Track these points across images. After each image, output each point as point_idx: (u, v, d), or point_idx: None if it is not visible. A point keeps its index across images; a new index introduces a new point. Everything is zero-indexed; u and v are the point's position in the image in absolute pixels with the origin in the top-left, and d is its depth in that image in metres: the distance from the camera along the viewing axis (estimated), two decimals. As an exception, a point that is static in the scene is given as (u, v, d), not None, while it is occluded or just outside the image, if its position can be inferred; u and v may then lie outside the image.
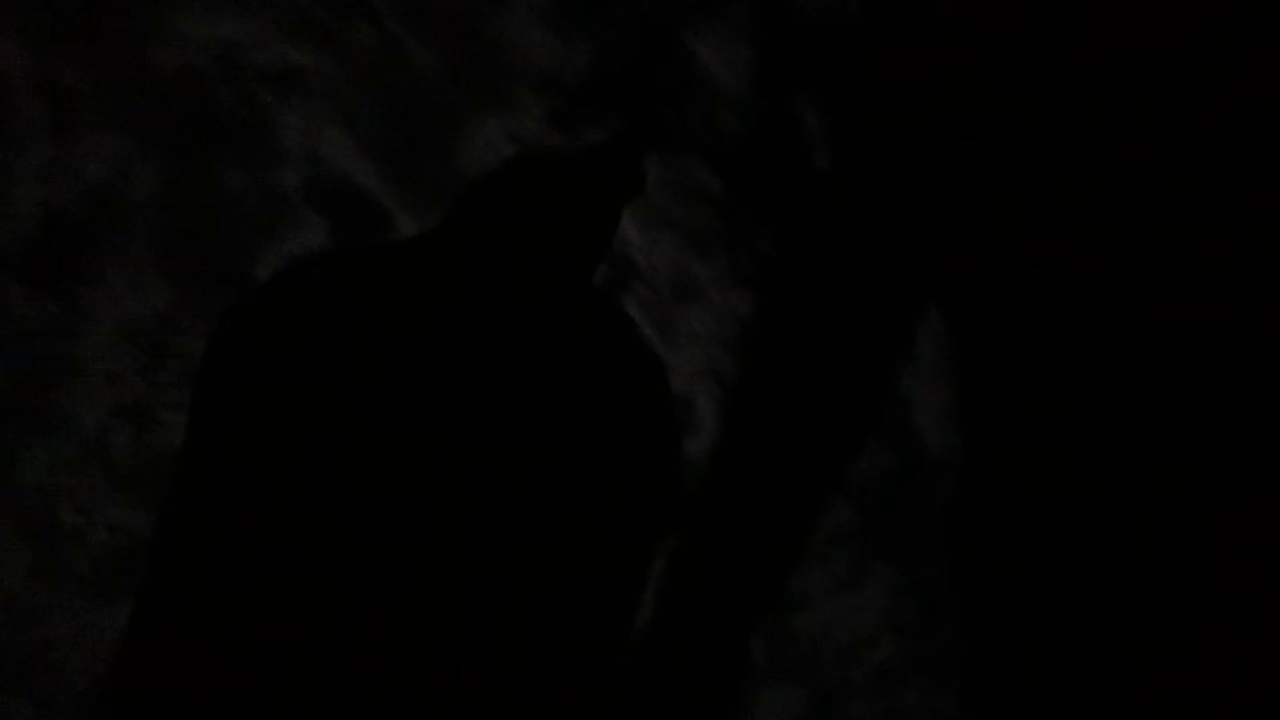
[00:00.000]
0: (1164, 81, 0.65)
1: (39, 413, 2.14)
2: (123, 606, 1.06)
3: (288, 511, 0.57)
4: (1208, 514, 0.66)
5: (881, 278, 3.70)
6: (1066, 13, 0.73)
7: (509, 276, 0.69)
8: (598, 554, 0.76)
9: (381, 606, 0.57)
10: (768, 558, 4.60)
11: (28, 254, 2.41)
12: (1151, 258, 0.67)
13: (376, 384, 0.63)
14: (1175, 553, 0.66)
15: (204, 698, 0.53)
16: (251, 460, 0.62)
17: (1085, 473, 0.73)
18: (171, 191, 1.61)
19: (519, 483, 0.64)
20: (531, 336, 0.68)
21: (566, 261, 0.79)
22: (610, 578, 0.75)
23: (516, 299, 0.68)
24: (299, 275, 0.66)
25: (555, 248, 0.80)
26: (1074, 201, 0.71)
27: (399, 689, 0.56)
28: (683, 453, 0.75)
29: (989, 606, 0.83)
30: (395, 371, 0.63)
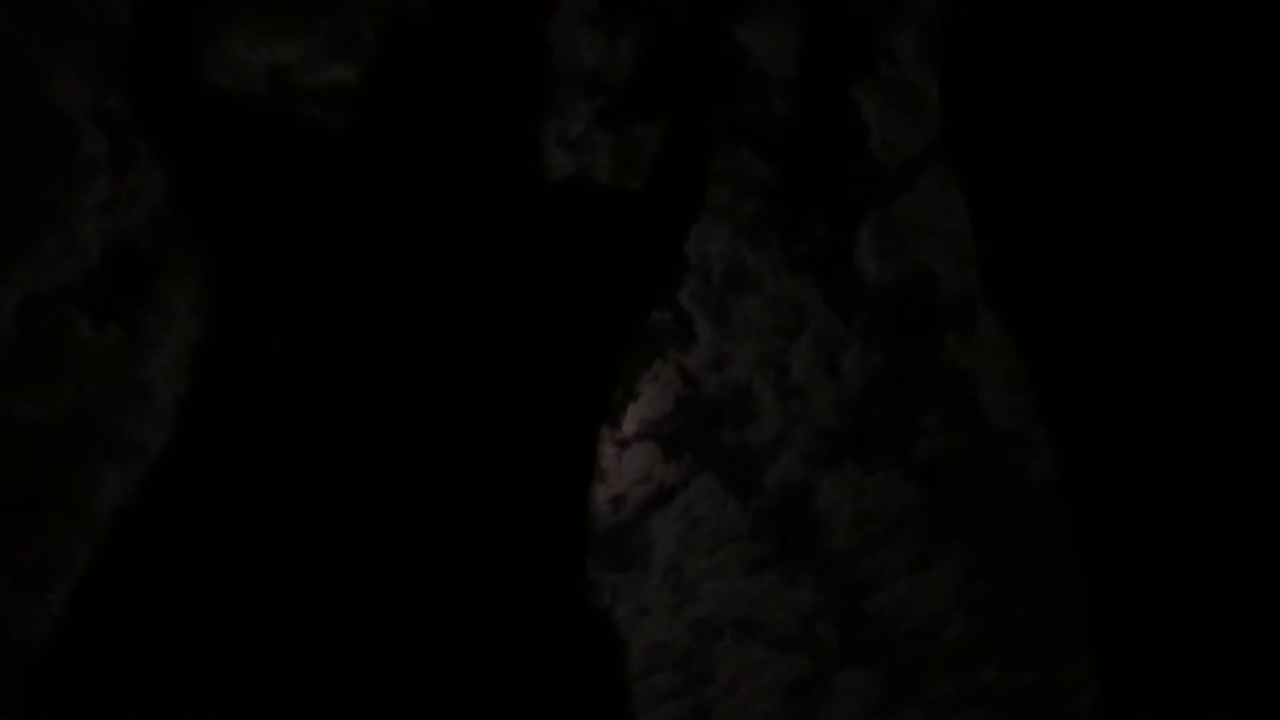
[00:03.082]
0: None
1: (110, 438, 2.20)
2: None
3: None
4: None
5: (933, 249, 3.64)
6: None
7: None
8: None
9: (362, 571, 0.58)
10: (832, 542, 4.53)
11: (93, 284, 2.47)
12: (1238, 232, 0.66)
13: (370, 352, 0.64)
14: (1270, 525, 0.65)
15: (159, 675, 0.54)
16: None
17: (1161, 441, 0.72)
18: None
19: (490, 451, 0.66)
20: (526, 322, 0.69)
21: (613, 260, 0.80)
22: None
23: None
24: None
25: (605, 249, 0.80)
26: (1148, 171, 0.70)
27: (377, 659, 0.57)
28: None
29: (1065, 581, 0.83)
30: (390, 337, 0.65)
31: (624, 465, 4.64)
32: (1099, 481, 0.77)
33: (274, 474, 0.61)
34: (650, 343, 4.30)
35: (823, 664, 4.51)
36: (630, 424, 4.65)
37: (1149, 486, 0.74)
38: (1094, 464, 0.78)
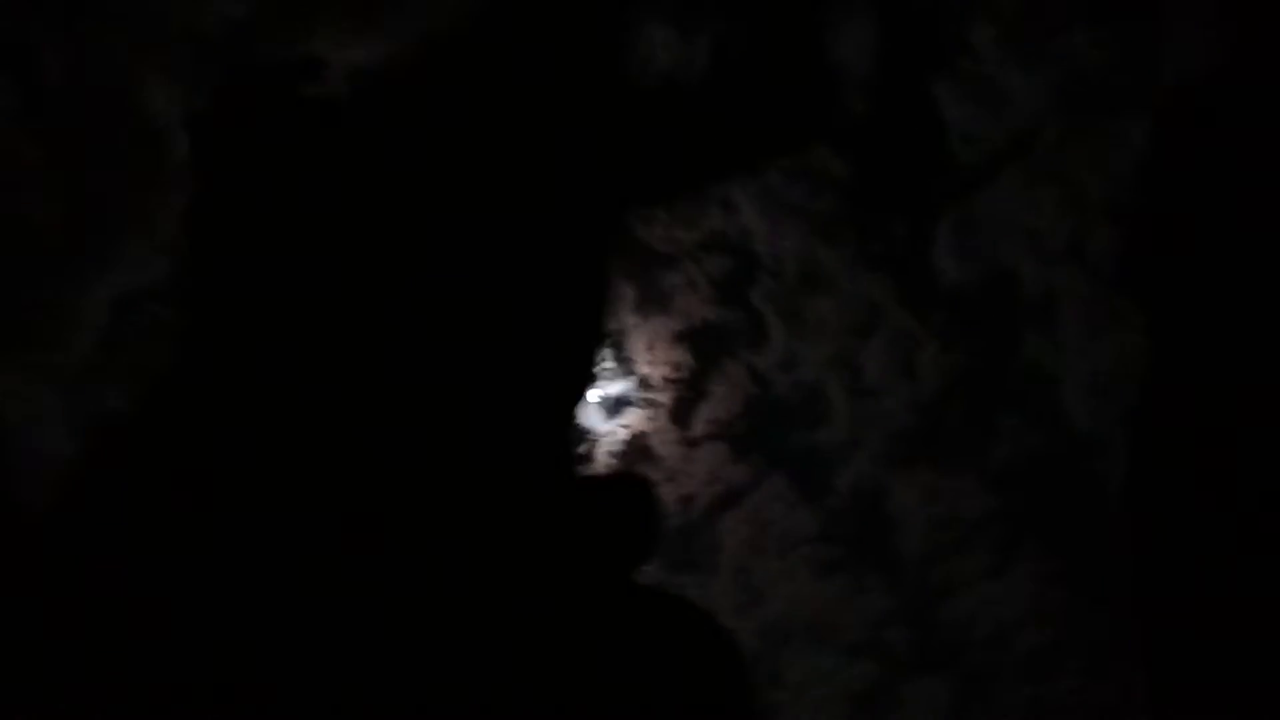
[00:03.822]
0: None
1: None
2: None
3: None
4: None
5: (1013, 247, 3.54)
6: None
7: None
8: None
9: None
10: (905, 546, 4.46)
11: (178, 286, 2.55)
12: None
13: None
14: None
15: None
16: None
17: (1246, 450, 0.68)
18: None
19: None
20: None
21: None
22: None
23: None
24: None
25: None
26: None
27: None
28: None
29: (1145, 593, 0.79)
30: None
31: (692, 465, 4.63)
32: (1180, 490, 0.74)
33: (277, 466, 0.62)
34: (720, 342, 4.29)
35: (892, 671, 4.45)
36: (699, 424, 4.64)
37: (1229, 496, 0.70)
38: (1175, 470, 0.75)
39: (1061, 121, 3.35)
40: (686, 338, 4.95)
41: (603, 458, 4.98)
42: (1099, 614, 3.96)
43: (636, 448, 5.01)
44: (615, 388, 4.93)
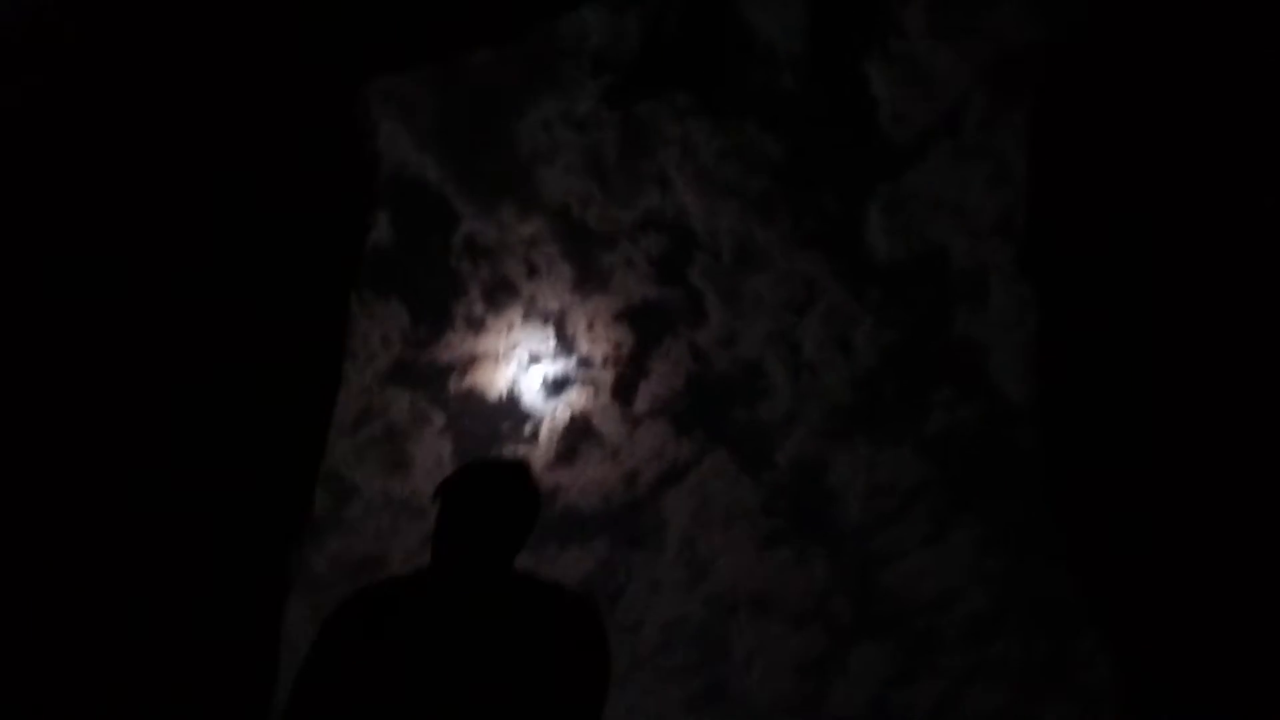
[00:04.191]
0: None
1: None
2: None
3: None
4: None
5: (943, 224, 3.61)
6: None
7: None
8: None
9: None
10: (845, 517, 4.52)
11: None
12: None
13: None
14: (1266, 504, 0.65)
15: None
16: None
17: (1163, 415, 0.72)
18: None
19: None
20: None
21: None
22: None
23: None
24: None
25: None
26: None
27: None
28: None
29: (1080, 553, 0.83)
30: None
31: (636, 443, 4.67)
32: (1101, 459, 0.78)
33: None
34: (660, 320, 4.31)
35: (837, 639, 4.53)
36: (642, 401, 4.67)
37: (1152, 468, 0.74)
38: (1099, 436, 0.79)
39: (989, 100, 3.42)
40: (626, 316, 4.96)
41: (546, 436, 4.97)
42: (1034, 576, 4.07)
43: (579, 427, 5.01)
44: (556, 367, 4.93)
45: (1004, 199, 3.40)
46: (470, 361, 4.82)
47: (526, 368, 4.56)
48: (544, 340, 4.54)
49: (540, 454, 4.81)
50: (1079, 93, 0.72)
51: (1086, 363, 0.74)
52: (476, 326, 4.68)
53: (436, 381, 4.81)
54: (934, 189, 3.44)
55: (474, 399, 5.03)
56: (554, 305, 4.42)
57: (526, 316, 4.45)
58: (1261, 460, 0.62)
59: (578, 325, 4.47)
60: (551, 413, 4.68)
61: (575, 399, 4.56)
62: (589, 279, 4.27)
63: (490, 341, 4.75)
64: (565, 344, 4.55)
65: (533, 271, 4.20)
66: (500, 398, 5.05)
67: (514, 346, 4.58)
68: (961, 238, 3.54)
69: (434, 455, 4.51)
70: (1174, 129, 0.66)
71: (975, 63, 3.13)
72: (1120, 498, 0.72)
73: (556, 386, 4.51)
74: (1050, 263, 0.75)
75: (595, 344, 4.47)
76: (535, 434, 4.92)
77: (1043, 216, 0.76)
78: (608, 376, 4.53)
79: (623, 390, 4.40)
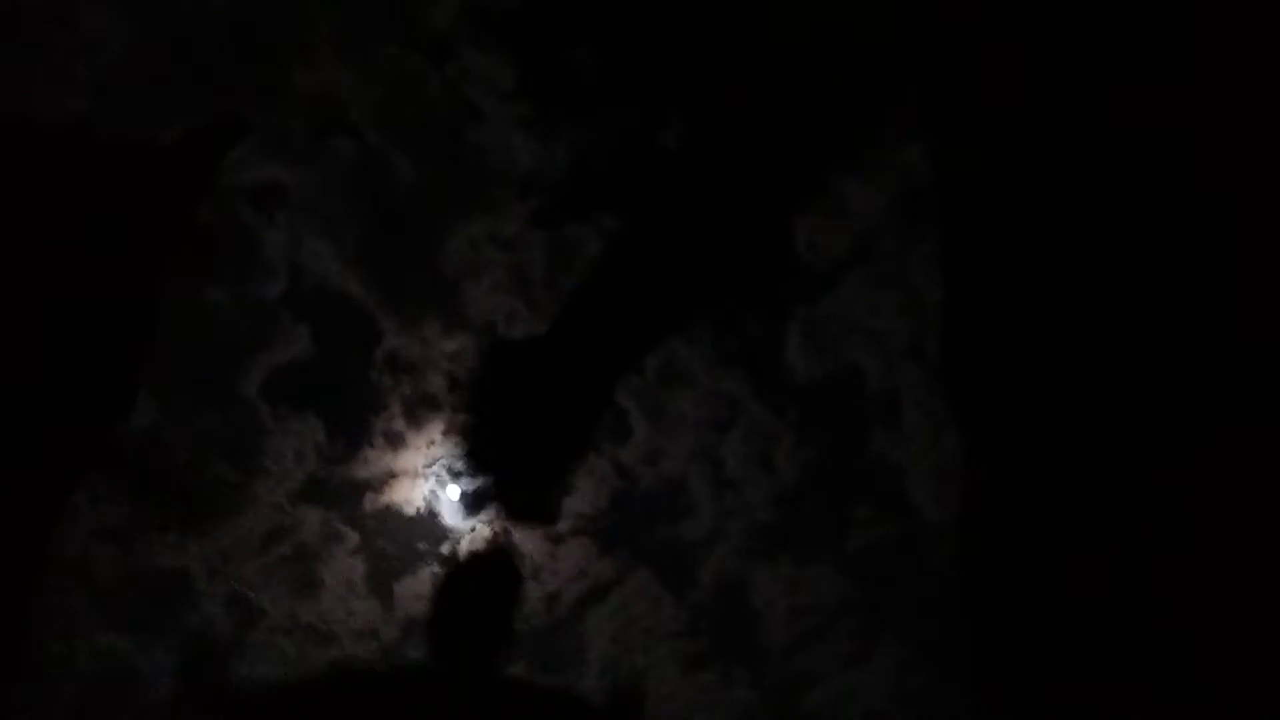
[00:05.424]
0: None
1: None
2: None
3: None
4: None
5: (858, 347, 3.73)
6: None
7: None
8: None
9: None
10: (768, 637, 4.49)
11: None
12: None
13: None
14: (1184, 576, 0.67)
15: None
16: None
17: (1079, 534, 0.74)
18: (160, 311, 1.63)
19: None
20: None
21: None
22: None
23: None
24: None
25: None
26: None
27: None
28: None
29: (1002, 668, 0.83)
30: None
31: (558, 561, 4.57)
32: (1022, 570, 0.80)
33: None
34: (585, 439, 4.30)
35: (761, 765, 4.42)
36: (565, 519, 4.60)
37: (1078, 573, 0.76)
38: (1016, 555, 0.81)
39: (899, 230, 3.59)
40: (550, 433, 4.94)
41: (464, 555, 4.86)
42: (958, 697, 4.07)
43: (498, 544, 4.92)
44: (476, 483, 4.84)
45: (914, 324, 3.54)
46: (388, 478, 4.71)
47: (446, 484, 4.48)
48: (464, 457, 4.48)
49: (458, 574, 4.69)
50: (980, 217, 0.77)
51: (1002, 483, 0.77)
52: (395, 442, 4.59)
53: (351, 499, 4.67)
54: (848, 314, 3.56)
55: (390, 517, 4.90)
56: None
57: (447, 432, 4.40)
58: (1181, 562, 0.65)
59: (500, 442, 4.44)
60: (470, 531, 4.59)
61: (495, 515, 4.48)
62: (512, 395, 4.27)
63: (409, 458, 4.66)
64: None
65: (455, 386, 4.18)
66: (418, 515, 4.95)
67: (434, 462, 4.51)
68: (875, 360, 3.66)
69: (345, 577, 4.36)
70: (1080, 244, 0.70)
71: (884, 194, 3.30)
72: (1039, 623, 0.74)
73: (476, 503, 4.44)
74: (963, 384, 0.78)
75: (517, 461, 4.42)
76: (454, 553, 4.81)
77: (954, 339, 0.79)
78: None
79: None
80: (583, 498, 4.49)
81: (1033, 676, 0.74)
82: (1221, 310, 0.61)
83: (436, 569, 4.84)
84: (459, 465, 4.65)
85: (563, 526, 4.47)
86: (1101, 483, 0.68)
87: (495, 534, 4.76)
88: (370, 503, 4.97)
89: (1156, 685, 0.64)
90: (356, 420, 4.90)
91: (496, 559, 4.45)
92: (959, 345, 0.78)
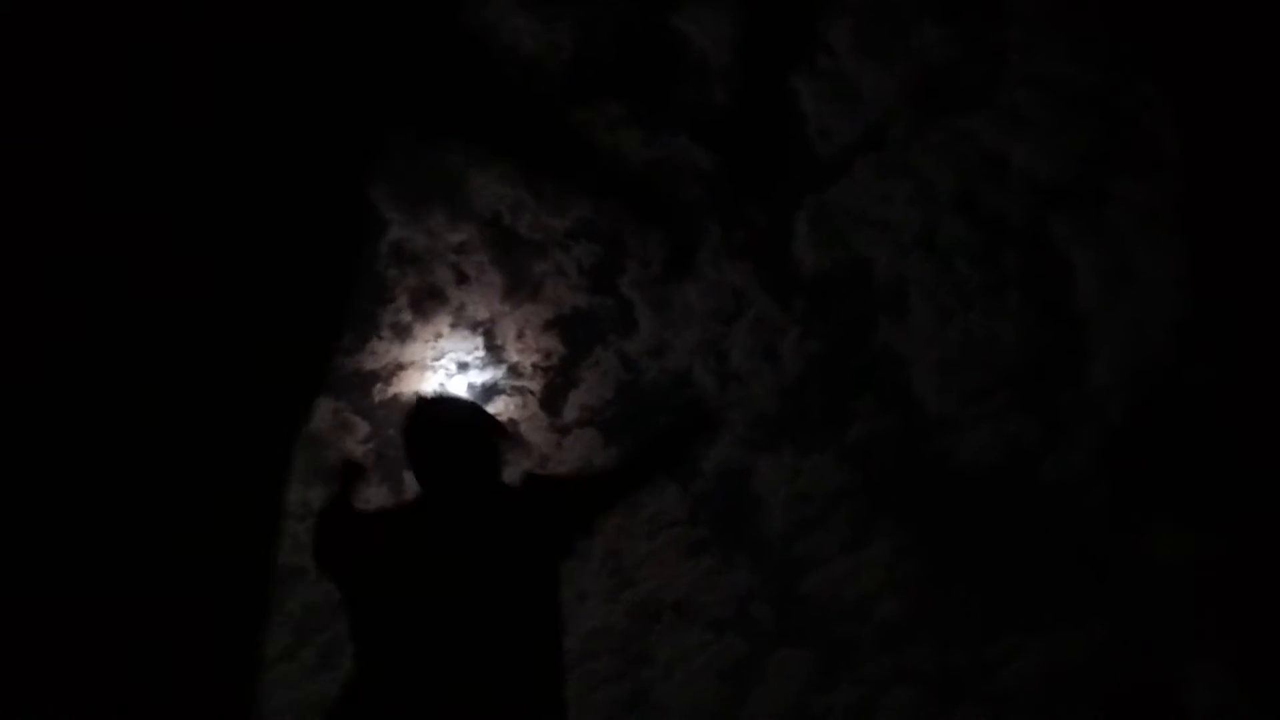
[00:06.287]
0: None
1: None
2: None
3: None
4: None
5: (867, 237, 3.70)
6: None
7: None
8: None
9: None
10: (768, 524, 4.59)
11: None
12: None
13: None
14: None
15: None
16: None
17: (1079, 425, 0.75)
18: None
19: None
20: None
21: None
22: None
23: None
24: None
25: None
26: None
27: None
28: None
29: (995, 561, 0.85)
30: None
31: (564, 452, 4.66)
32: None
33: None
34: (590, 329, 4.32)
35: (757, 645, 4.58)
36: (571, 410, 4.66)
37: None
38: (1016, 446, 0.83)
39: (912, 117, 3.53)
40: (557, 325, 4.95)
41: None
42: (951, 584, 4.19)
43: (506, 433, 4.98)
44: (485, 375, 4.89)
45: (924, 214, 3.51)
46: (396, 369, 4.76)
47: (454, 376, 4.53)
48: (472, 348, 4.51)
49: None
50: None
51: (1006, 374, 0.78)
52: (403, 334, 4.63)
53: (360, 389, 4.74)
54: (858, 204, 3.52)
55: (399, 407, 4.97)
56: (483, 313, 4.40)
57: (455, 324, 4.42)
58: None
59: (507, 334, 4.45)
60: (477, 421, 4.65)
61: (503, 407, 4.54)
62: (519, 287, 4.26)
63: (417, 349, 4.70)
64: (494, 352, 4.52)
65: (462, 279, 4.18)
66: (426, 405, 4.98)
67: (441, 355, 4.54)
68: (884, 251, 3.64)
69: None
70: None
71: (898, 81, 3.23)
72: (1033, 510, 0.76)
73: (485, 395, 4.49)
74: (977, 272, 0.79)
75: (524, 352, 4.45)
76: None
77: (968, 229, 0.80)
78: (537, 385, 4.53)
79: (552, 399, 4.40)
80: (588, 390, 4.55)
81: (1025, 571, 0.76)
82: None
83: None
84: (466, 358, 4.66)
85: (569, 417, 4.53)
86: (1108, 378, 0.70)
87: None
88: (379, 393, 5.04)
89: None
90: (365, 313, 4.90)
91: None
92: (972, 237, 0.79)
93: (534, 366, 4.60)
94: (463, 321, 4.34)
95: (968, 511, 3.71)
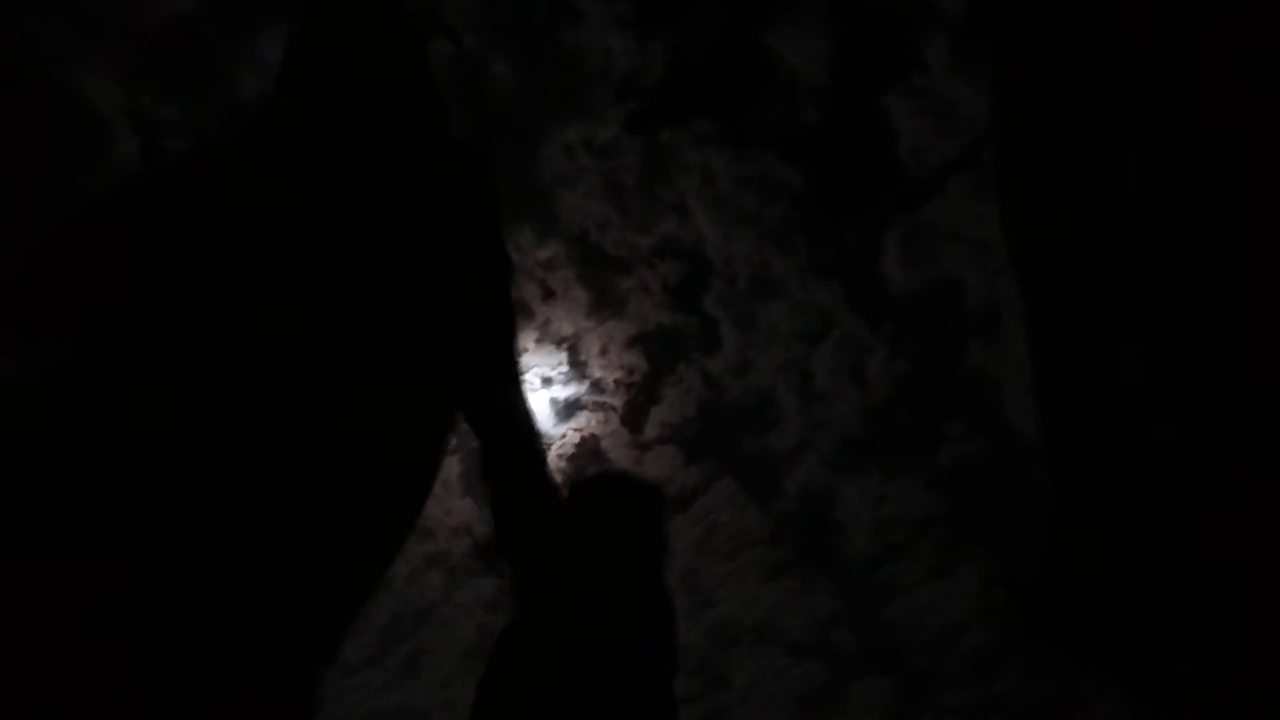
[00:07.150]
0: None
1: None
2: None
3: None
4: None
5: (960, 258, 3.62)
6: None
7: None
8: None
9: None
10: (852, 548, 4.50)
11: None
12: None
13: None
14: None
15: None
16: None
17: (1174, 454, 0.72)
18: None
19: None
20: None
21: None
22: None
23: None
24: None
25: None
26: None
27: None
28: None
29: (1082, 588, 0.84)
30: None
31: (644, 469, 4.66)
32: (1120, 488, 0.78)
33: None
34: (673, 347, 4.32)
35: (838, 671, 4.50)
36: (652, 427, 4.67)
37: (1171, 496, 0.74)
38: (1109, 474, 0.79)
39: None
40: (640, 342, 4.97)
41: (554, 461, 4.97)
42: (1037, 615, 4.04)
43: (588, 451, 5.01)
44: (568, 391, 4.93)
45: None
46: (481, 382, 4.83)
47: (538, 390, 4.57)
48: (556, 364, 4.55)
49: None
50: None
51: (1099, 400, 0.75)
52: (489, 348, 4.70)
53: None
54: (951, 223, 3.45)
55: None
56: (568, 329, 4.43)
57: (540, 340, 4.46)
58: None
59: (591, 349, 4.48)
60: (561, 436, 4.69)
61: (585, 423, 4.56)
62: (604, 304, 4.29)
63: (502, 363, 4.76)
64: (578, 368, 4.56)
65: (548, 295, 4.22)
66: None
67: (526, 370, 4.60)
68: (976, 272, 3.56)
69: (442, 476, 4.50)
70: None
71: (996, 100, 3.15)
72: (1128, 543, 0.73)
73: (567, 410, 4.52)
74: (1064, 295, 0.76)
75: (608, 369, 4.47)
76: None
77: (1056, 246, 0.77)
78: (619, 401, 4.54)
79: (633, 416, 4.40)
80: (670, 407, 4.54)
81: (1119, 605, 0.73)
82: None
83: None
84: (550, 373, 4.70)
85: (650, 434, 4.53)
86: (1200, 405, 0.66)
87: (584, 440, 4.86)
88: (463, 405, 5.10)
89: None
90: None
91: (585, 463, 4.57)
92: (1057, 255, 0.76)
93: (616, 383, 4.63)
94: (548, 337, 4.39)
95: (1060, 540, 3.57)
